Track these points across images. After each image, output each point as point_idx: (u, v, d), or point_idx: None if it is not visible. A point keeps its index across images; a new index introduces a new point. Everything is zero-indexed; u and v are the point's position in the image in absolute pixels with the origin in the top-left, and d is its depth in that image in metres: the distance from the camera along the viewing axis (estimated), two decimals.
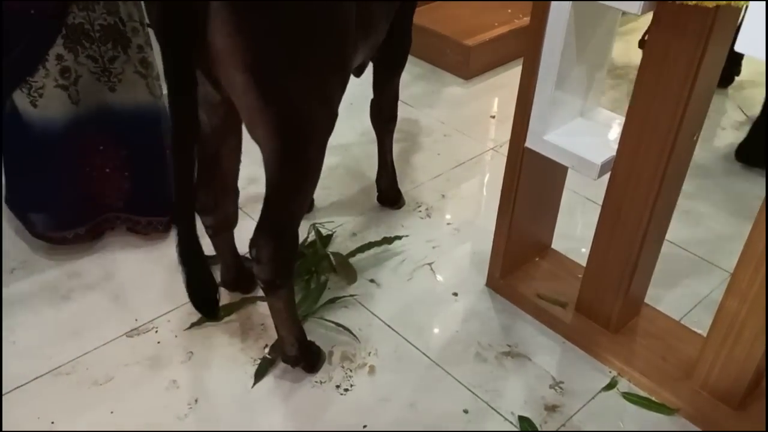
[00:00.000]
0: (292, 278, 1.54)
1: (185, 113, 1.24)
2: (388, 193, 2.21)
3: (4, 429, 1.52)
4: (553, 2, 1.42)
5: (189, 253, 1.36)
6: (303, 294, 1.83)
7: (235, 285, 1.86)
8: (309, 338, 1.67)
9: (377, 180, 2.20)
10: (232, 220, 1.73)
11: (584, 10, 1.42)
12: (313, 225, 2.07)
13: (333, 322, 1.78)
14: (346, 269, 1.95)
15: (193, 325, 1.76)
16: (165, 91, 1.24)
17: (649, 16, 1.34)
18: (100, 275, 1.92)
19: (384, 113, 2.05)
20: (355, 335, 1.76)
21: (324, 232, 2.07)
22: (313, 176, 1.44)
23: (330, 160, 1.44)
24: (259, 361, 1.68)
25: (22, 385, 1.60)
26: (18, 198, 1.96)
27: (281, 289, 1.52)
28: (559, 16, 1.42)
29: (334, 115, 1.39)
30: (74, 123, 1.78)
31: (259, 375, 1.65)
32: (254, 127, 1.33)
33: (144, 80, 1.81)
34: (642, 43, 2.86)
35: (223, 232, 1.74)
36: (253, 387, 1.63)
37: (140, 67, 1.80)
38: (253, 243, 1.46)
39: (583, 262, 1.75)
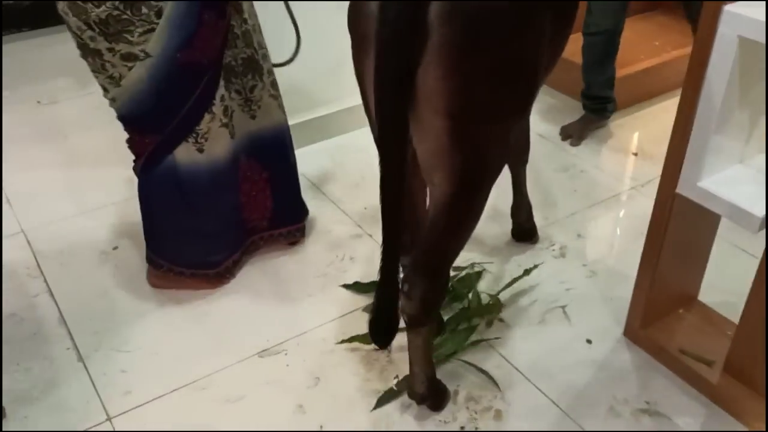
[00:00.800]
0: (435, 318, 1.53)
1: (398, 156, 1.25)
2: (524, 227, 2.16)
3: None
4: (718, 37, 1.33)
5: (387, 280, 1.39)
6: (449, 332, 1.79)
7: None
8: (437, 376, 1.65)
9: (512, 213, 2.15)
10: None
11: (752, 47, 1.32)
12: (472, 264, 2.03)
13: (462, 360, 1.75)
14: (492, 311, 1.89)
15: (321, 352, 1.79)
16: None
17: None
18: (237, 294, 1.99)
19: (517, 146, 2.00)
20: (490, 377, 1.71)
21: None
22: (476, 220, 1.42)
23: None
24: (382, 393, 1.67)
25: (160, 396, 1.69)
26: (182, 247, 1.94)
27: (423, 327, 1.51)
28: (725, 52, 1.33)
29: (506, 160, 1.37)
30: (233, 156, 1.85)
31: (381, 402, 1.65)
32: (435, 170, 1.32)
33: (276, 101, 1.90)
34: None
35: None
36: (372, 411, 1.63)
37: (272, 90, 1.88)
38: (407, 279, 1.46)
39: (733, 317, 1.62)
